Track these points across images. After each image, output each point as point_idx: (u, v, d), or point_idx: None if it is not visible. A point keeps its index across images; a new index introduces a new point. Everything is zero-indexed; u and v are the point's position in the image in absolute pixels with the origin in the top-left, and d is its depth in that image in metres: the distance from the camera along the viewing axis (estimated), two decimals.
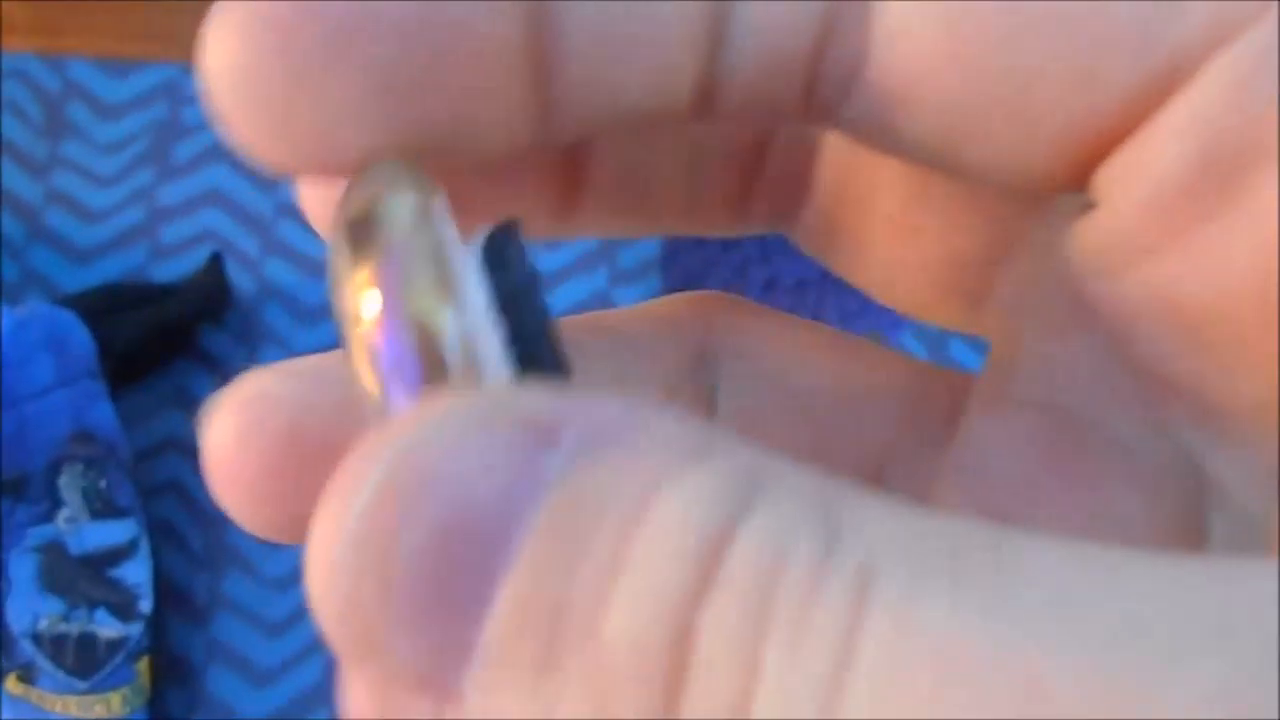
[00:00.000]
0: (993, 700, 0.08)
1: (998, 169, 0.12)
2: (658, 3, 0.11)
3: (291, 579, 0.48)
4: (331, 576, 0.09)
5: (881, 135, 0.12)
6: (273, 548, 0.49)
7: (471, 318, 0.11)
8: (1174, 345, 0.13)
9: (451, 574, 0.09)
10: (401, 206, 0.11)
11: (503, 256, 0.11)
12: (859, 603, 0.08)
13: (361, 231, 0.11)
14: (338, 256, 0.11)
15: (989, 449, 0.14)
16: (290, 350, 0.53)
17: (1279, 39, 0.11)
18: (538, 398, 0.09)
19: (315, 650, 0.47)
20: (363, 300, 0.11)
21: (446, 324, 0.10)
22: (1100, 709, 0.08)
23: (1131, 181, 0.12)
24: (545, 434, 0.09)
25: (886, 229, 0.15)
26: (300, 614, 0.48)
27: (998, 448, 0.14)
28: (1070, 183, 0.12)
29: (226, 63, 0.11)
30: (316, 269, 0.55)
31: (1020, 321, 0.14)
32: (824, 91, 0.12)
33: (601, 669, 0.09)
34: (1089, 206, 0.13)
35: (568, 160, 0.14)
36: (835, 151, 0.14)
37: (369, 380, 0.11)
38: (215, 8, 0.11)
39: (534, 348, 0.11)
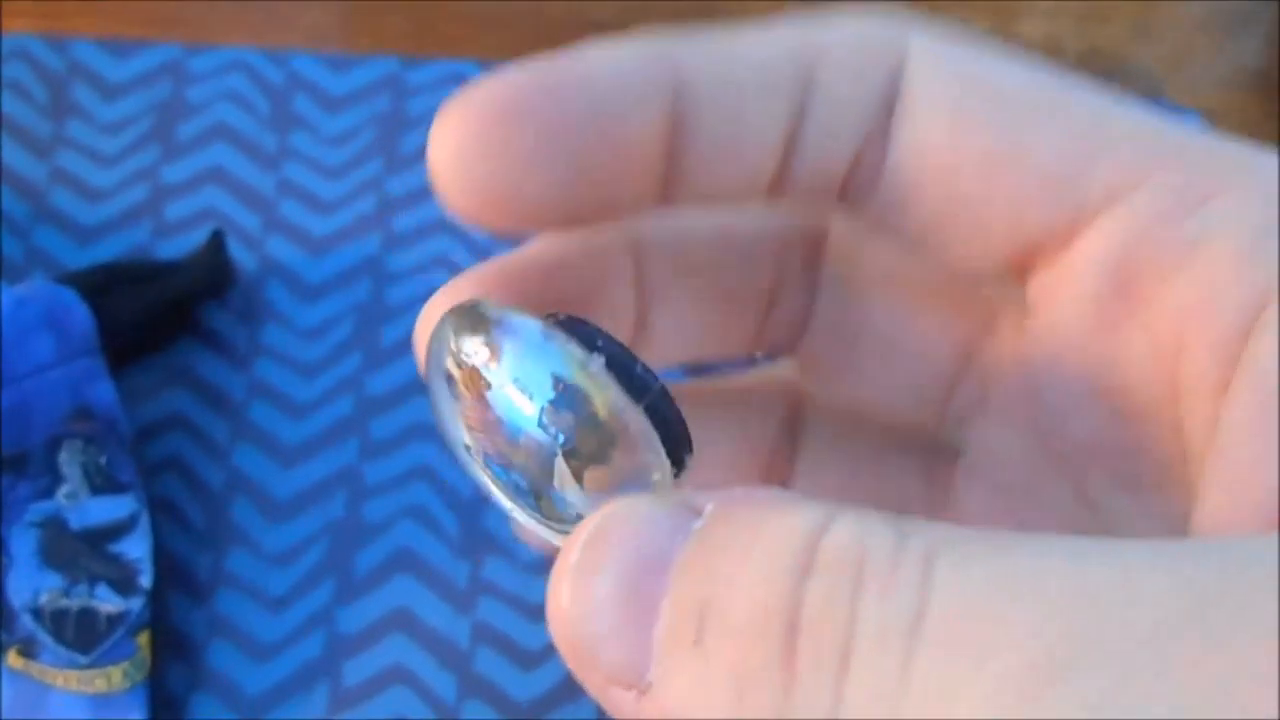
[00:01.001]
0: (1025, 618, 0.11)
1: (964, 260, 0.16)
2: (757, 122, 0.15)
3: (292, 554, 0.49)
4: (558, 613, 0.13)
5: (891, 221, 0.16)
6: (273, 523, 0.49)
7: (622, 404, 0.14)
8: (1099, 421, 0.16)
9: (635, 595, 0.12)
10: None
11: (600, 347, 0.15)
12: (927, 571, 0.11)
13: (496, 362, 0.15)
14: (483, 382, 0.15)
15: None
16: (292, 327, 0.53)
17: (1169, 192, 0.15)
18: (687, 491, 0.13)
19: (316, 625, 0.47)
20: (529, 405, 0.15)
21: (623, 412, 0.14)
22: (1083, 605, 0.10)
23: (1061, 292, 0.16)
24: (693, 509, 0.13)
25: (873, 356, 0.19)
26: (301, 589, 0.48)
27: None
28: (1014, 278, 0.16)
29: (450, 149, 0.15)
30: (317, 246, 0.55)
31: (969, 425, 0.18)
32: (855, 188, 0.16)
33: (734, 637, 0.11)
34: (1027, 316, 0.17)
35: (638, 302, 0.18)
36: (830, 296, 0.18)
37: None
38: (445, 109, 0.15)
39: (663, 416, 0.15)
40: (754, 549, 0.12)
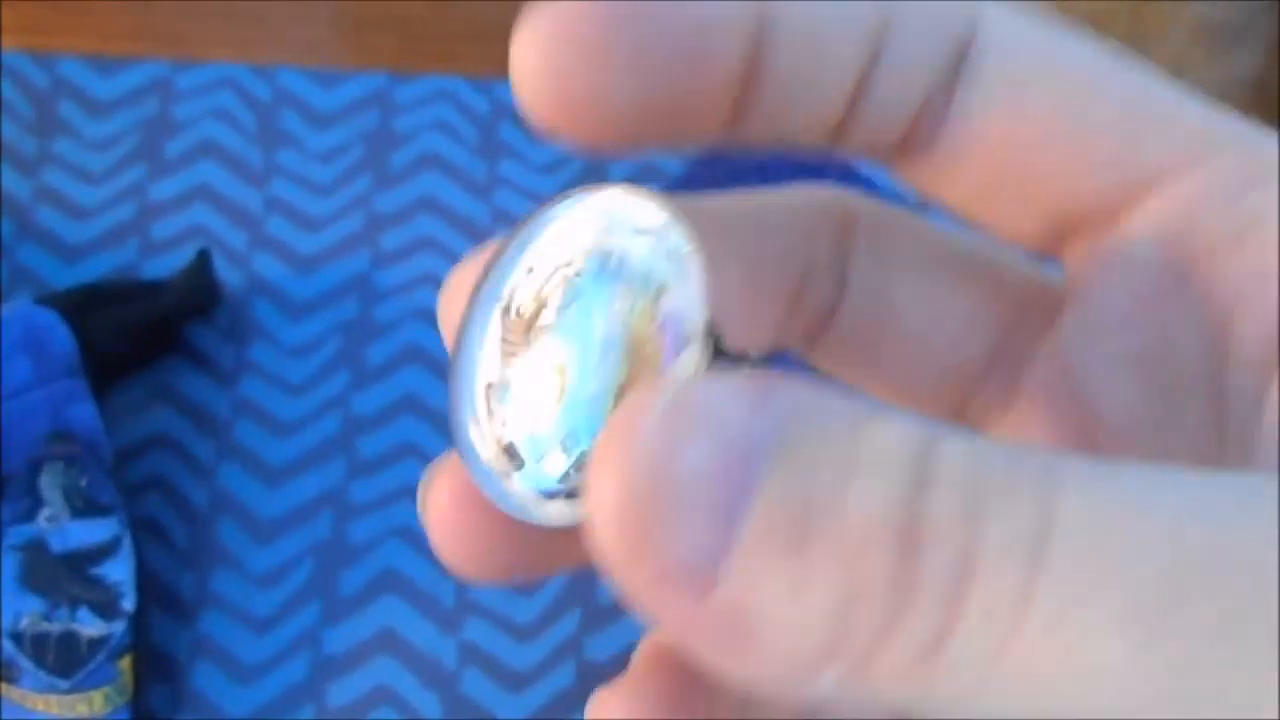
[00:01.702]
0: (1154, 533, 0.11)
1: (1010, 226, 0.16)
2: (833, 61, 0.15)
3: (278, 575, 0.48)
4: (619, 487, 0.11)
5: (942, 183, 0.16)
6: (258, 543, 0.49)
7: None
8: (1135, 396, 0.16)
9: (725, 479, 0.11)
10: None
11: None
12: (1049, 488, 0.11)
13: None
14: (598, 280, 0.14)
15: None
16: (279, 345, 0.53)
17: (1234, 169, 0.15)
18: (748, 370, 0.12)
19: (301, 646, 0.47)
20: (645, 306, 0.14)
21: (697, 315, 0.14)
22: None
23: (1106, 265, 0.16)
24: (769, 385, 0.12)
25: (902, 346, 0.18)
26: (286, 610, 0.48)
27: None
28: (1052, 248, 0.16)
29: (538, 52, 0.14)
30: (305, 264, 0.55)
31: (998, 416, 0.18)
32: (913, 142, 0.16)
33: (847, 544, 0.11)
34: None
35: None
36: (860, 284, 0.18)
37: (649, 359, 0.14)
38: (527, 10, 0.14)
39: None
40: (861, 454, 0.11)
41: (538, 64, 0.14)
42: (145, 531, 0.48)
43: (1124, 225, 0.16)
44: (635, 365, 0.14)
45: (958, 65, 0.16)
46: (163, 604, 0.47)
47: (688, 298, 0.14)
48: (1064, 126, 0.15)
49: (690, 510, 0.11)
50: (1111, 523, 0.11)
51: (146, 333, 0.49)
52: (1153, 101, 0.16)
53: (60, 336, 0.43)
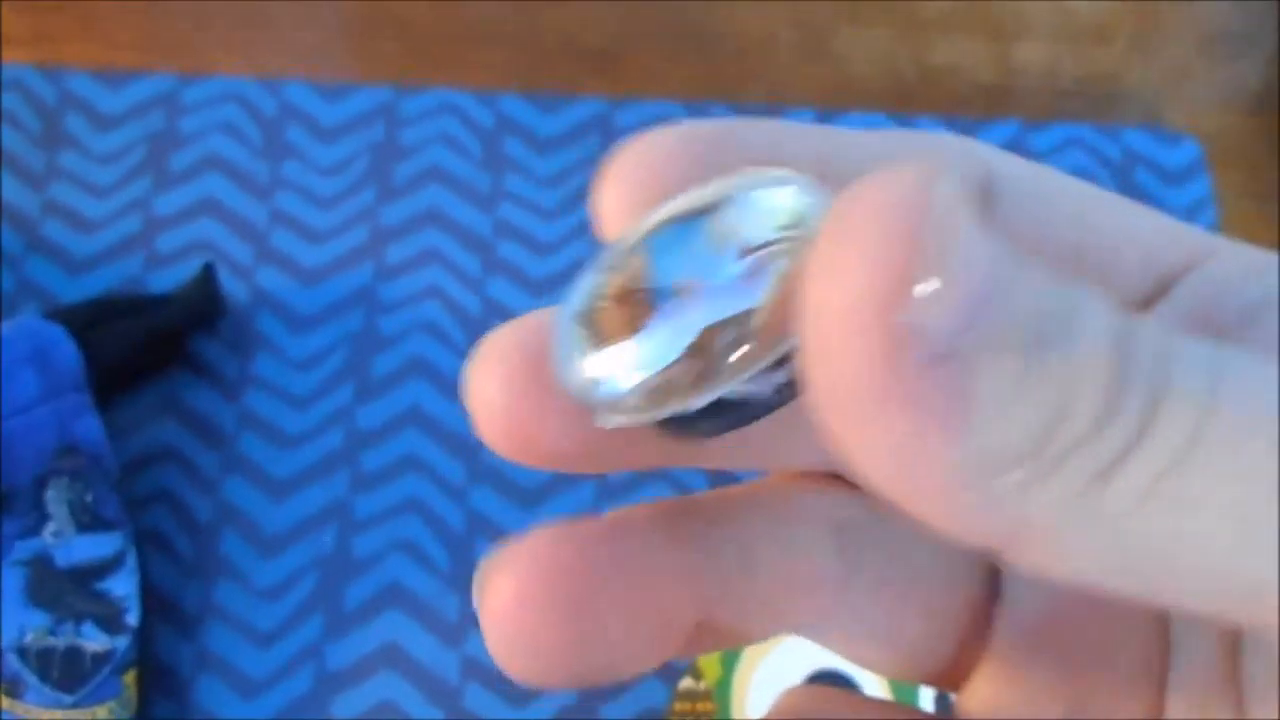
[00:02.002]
0: None
1: None
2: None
3: (282, 588, 0.48)
4: (880, 230, 0.11)
5: None
6: (264, 556, 0.49)
7: None
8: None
9: (975, 265, 0.12)
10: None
11: None
12: (1223, 361, 0.12)
13: None
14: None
15: None
16: (283, 358, 0.53)
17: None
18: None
19: (305, 660, 0.47)
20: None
21: None
22: None
23: None
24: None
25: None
26: (290, 624, 0.48)
27: None
28: None
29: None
30: (310, 276, 0.55)
31: None
32: None
33: (1069, 365, 0.12)
34: None
35: None
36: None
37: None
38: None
39: None
40: (1084, 296, 0.12)
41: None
42: (150, 544, 0.48)
43: (1154, 312, 0.17)
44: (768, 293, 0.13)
45: (984, 199, 0.16)
46: (166, 617, 0.47)
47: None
48: (1088, 241, 0.17)
49: (947, 279, 0.11)
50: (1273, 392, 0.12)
51: (151, 346, 0.49)
52: (1153, 216, 0.17)
53: (66, 351, 0.43)
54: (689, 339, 0.13)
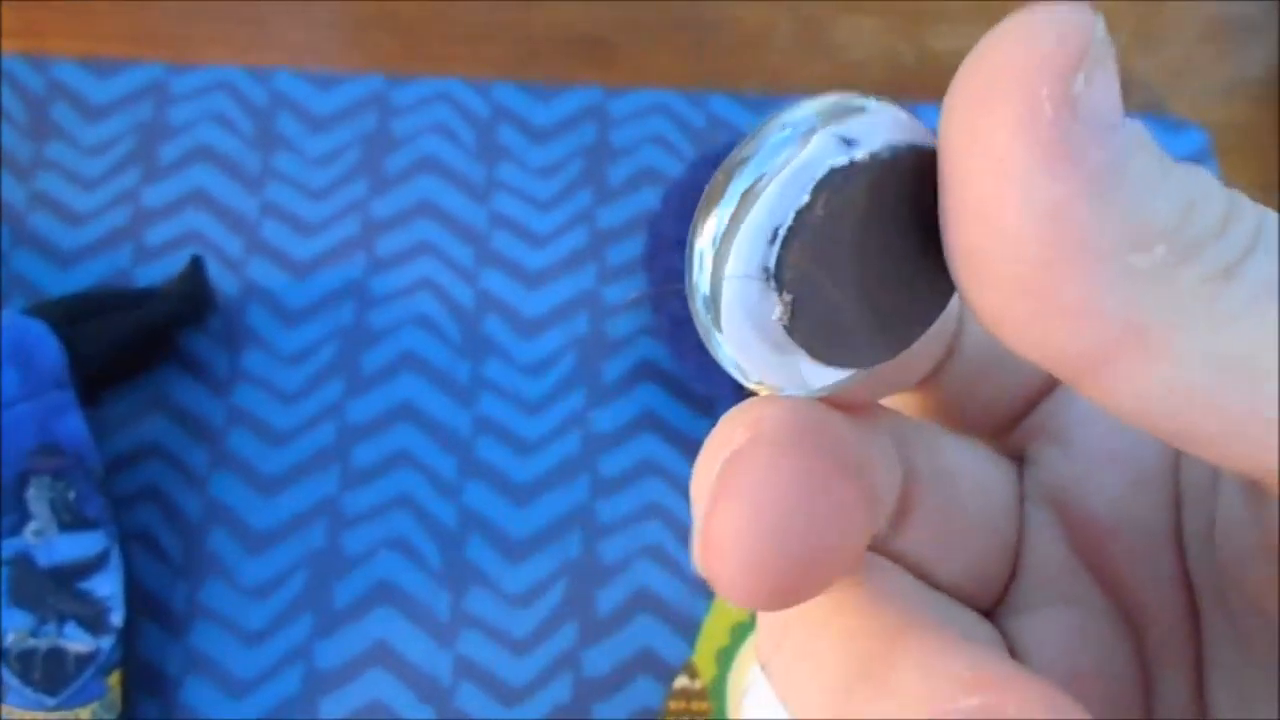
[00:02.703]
0: None
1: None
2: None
3: (270, 586, 0.48)
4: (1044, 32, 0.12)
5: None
6: (251, 554, 0.48)
7: None
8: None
9: (1109, 111, 0.13)
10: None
11: None
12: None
13: None
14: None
15: None
16: (273, 352, 0.52)
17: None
18: None
19: (294, 660, 0.46)
20: None
21: None
22: None
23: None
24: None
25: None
26: (279, 622, 0.47)
27: None
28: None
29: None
30: (300, 269, 0.54)
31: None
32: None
33: (1197, 186, 0.13)
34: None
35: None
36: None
37: None
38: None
39: None
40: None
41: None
42: (137, 543, 0.47)
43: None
44: None
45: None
46: (153, 617, 0.46)
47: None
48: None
49: (1107, 74, 0.12)
50: None
51: (139, 341, 0.48)
52: None
53: (48, 348, 0.42)
54: (774, 157, 0.13)
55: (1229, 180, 0.62)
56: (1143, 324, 0.13)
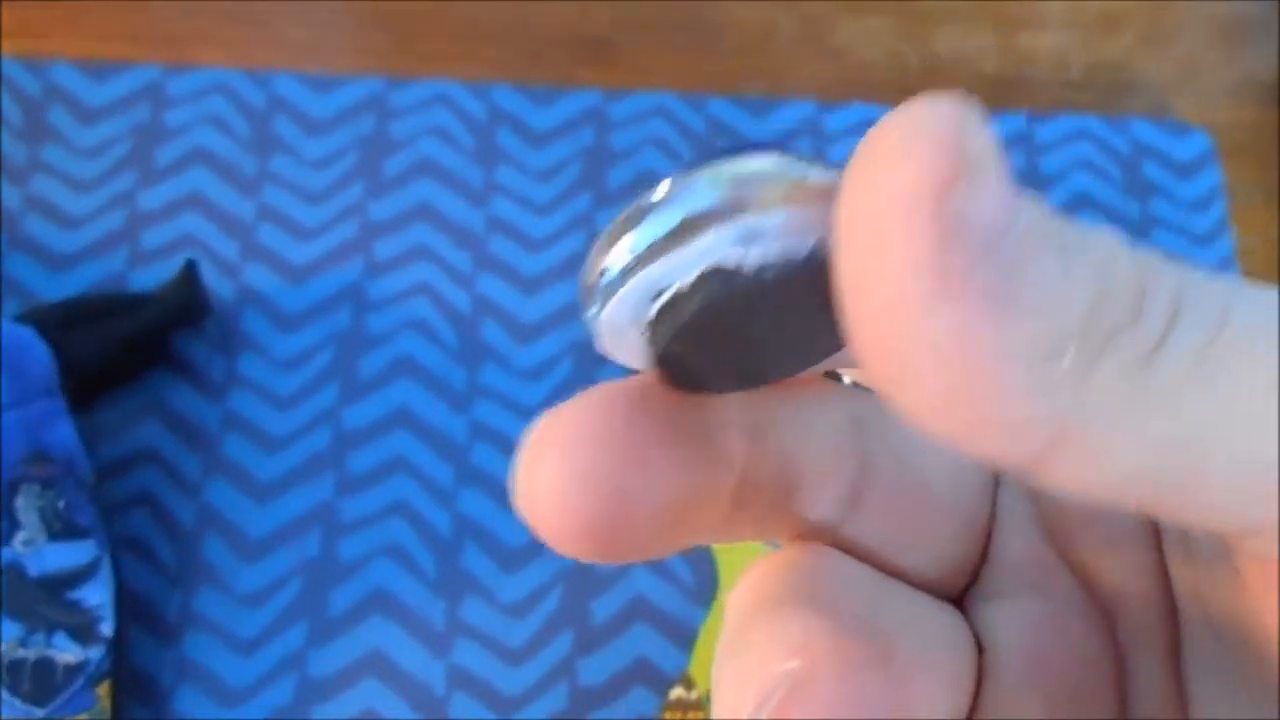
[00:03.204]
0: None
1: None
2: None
3: (264, 594, 0.47)
4: (924, 155, 0.12)
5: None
6: (245, 562, 0.48)
7: None
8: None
9: (1006, 183, 0.12)
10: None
11: None
12: (1234, 286, 0.13)
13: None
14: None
15: None
16: (269, 357, 0.52)
17: None
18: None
19: (287, 669, 0.46)
20: None
21: None
22: None
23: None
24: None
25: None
26: (272, 631, 0.47)
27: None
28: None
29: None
30: (297, 273, 0.54)
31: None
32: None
33: (1102, 256, 0.13)
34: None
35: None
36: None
37: None
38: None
39: None
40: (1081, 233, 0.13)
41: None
42: (129, 550, 0.47)
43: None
44: None
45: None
46: (146, 625, 0.46)
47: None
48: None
49: (986, 181, 0.12)
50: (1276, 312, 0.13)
51: (132, 347, 0.48)
52: None
53: (38, 355, 0.42)
54: (671, 226, 0.14)
55: (1235, 183, 0.61)
56: (1071, 426, 0.12)
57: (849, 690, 0.15)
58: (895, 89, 0.62)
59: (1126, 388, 0.12)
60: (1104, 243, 0.13)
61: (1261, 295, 0.13)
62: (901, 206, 0.12)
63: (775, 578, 0.17)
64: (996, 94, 0.63)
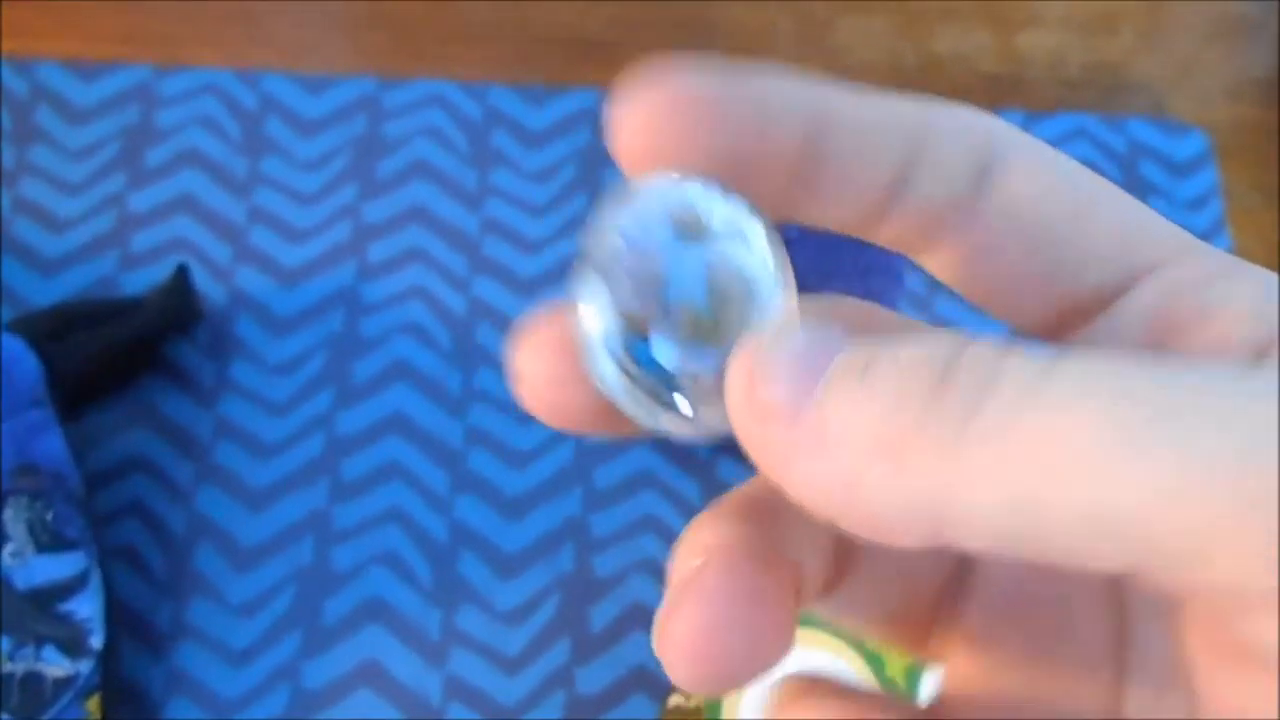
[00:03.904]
0: (1140, 376, 0.14)
1: (1016, 315, 0.20)
2: (879, 153, 0.19)
3: (257, 604, 0.47)
4: (751, 374, 0.16)
5: (962, 275, 0.20)
6: (238, 571, 0.47)
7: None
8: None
9: (808, 358, 0.16)
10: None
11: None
12: (1059, 354, 0.15)
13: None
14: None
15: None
16: (261, 363, 0.51)
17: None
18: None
19: (280, 680, 0.45)
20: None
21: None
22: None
23: (1104, 343, 0.19)
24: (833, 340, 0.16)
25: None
26: (265, 641, 0.46)
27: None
28: (1054, 333, 0.20)
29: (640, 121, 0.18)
30: (289, 277, 0.53)
31: None
32: (942, 236, 0.19)
33: (899, 371, 0.15)
34: None
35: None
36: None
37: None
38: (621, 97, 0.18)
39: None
40: (911, 341, 0.16)
41: (641, 126, 0.18)
42: (120, 560, 0.46)
43: (1115, 310, 0.19)
44: (721, 305, 0.17)
45: (981, 172, 0.19)
46: (136, 636, 0.45)
47: (757, 250, 0.18)
48: (1073, 229, 0.19)
49: (789, 373, 0.16)
50: (1102, 367, 0.14)
51: (123, 353, 0.47)
52: (1138, 210, 0.19)
53: (26, 366, 0.41)
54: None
55: (1231, 182, 0.61)
56: (935, 514, 0.14)
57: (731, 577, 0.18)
58: (893, 87, 0.62)
59: (950, 465, 0.14)
60: (901, 354, 0.15)
61: (1091, 359, 0.14)
62: (743, 408, 0.16)
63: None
64: (994, 93, 0.63)
